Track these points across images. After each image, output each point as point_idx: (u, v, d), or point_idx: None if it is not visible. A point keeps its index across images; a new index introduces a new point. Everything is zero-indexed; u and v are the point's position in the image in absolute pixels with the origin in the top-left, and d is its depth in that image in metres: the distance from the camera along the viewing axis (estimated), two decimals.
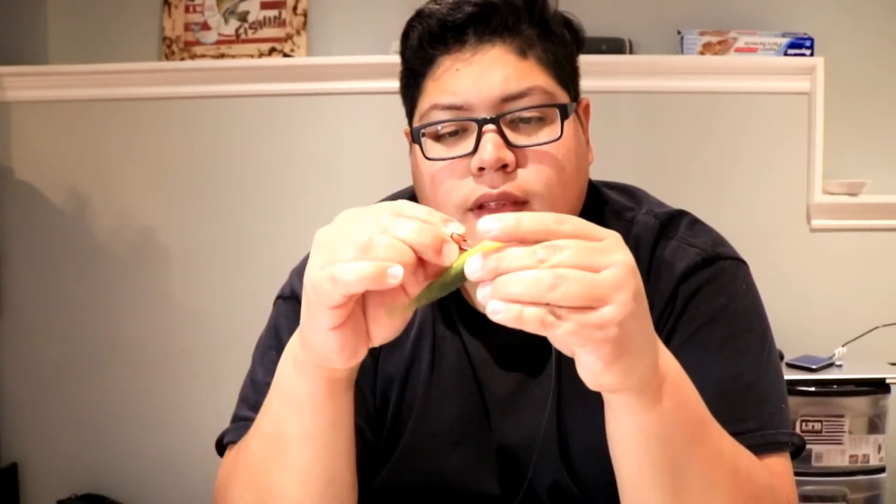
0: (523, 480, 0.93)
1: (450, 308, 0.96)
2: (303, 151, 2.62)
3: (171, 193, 2.65)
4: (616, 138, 2.54)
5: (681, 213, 0.96)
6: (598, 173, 1.02)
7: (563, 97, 0.88)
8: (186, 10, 2.68)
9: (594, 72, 2.38)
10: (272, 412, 0.76)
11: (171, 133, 2.64)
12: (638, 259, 0.91)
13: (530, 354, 0.91)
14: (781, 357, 2.28)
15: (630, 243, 0.92)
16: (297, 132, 2.61)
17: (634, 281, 0.60)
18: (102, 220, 2.66)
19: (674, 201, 0.99)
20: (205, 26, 2.68)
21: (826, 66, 2.48)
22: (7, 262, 2.67)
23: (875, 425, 2.19)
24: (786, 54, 2.50)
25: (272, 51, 2.66)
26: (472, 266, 0.58)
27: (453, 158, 0.85)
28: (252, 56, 2.66)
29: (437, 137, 0.87)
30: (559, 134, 0.85)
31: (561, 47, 0.90)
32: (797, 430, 2.00)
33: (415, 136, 0.88)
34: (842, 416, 2.19)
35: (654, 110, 2.56)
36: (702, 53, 2.52)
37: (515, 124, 0.85)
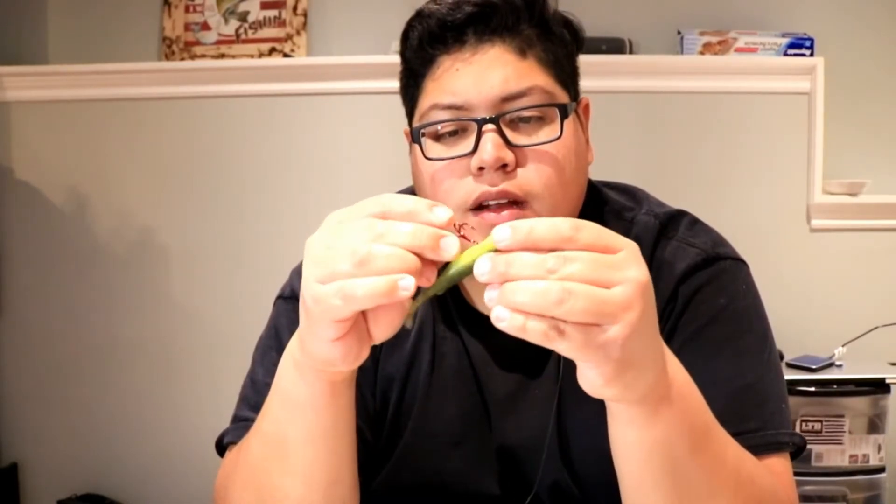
0: (523, 480, 0.93)
1: (450, 308, 0.96)
2: (303, 151, 2.62)
3: (171, 193, 2.65)
4: (616, 138, 2.54)
5: (681, 213, 0.96)
6: (598, 173, 1.02)
7: (562, 97, 0.88)
8: (186, 10, 2.68)
9: (594, 72, 2.39)
10: (273, 414, 0.76)
11: (171, 133, 2.64)
12: None
13: (531, 355, 0.91)
14: (781, 357, 2.28)
15: None
16: (297, 132, 2.61)
17: (645, 299, 0.58)
18: (102, 220, 2.66)
19: (674, 201, 0.99)
20: (205, 26, 2.68)
21: (826, 66, 2.48)
22: (7, 262, 2.67)
23: (875, 425, 2.19)
24: (786, 54, 2.50)
25: (272, 51, 2.66)
26: (481, 267, 0.56)
27: (453, 158, 0.85)
28: (252, 56, 2.66)
29: (437, 137, 0.87)
30: (559, 133, 0.85)
31: (561, 47, 0.90)
32: (797, 430, 2.00)
33: (415, 136, 0.88)
34: (842, 416, 2.19)
35: (654, 110, 2.56)
36: (702, 53, 2.52)
37: (515, 124, 0.85)
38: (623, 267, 0.58)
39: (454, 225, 0.62)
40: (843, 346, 2.31)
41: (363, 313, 0.63)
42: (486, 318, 0.57)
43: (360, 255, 0.58)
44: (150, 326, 2.65)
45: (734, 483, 0.72)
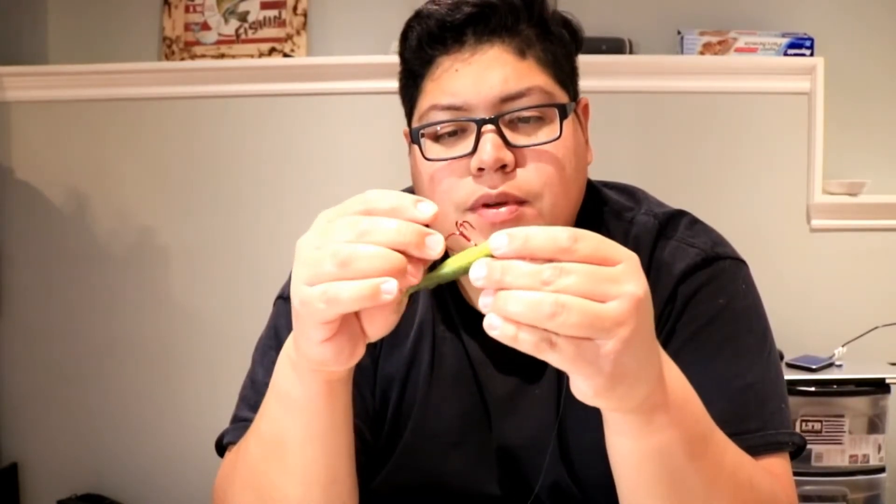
0: (523, 481, 0.93)
1: (450, 309, 0.96)
2: (303, 151, 2.62)
3: (171, 193, 2.65)
4: (616, 138, 2.54)
5: (680, 213, 0.96)
6: (598, 173, 1.02)
7: (562, 97, 0.88)
8: (186, 10, 2.68)
9: (594, 72, 2.40)
10: (270, 414, 0.76)
11: (171, 133, 2.64)
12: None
13: (530, 356, 0.91)
14: (781, 357, 2.28)
15: (629, 243, 0.92)
16: (297, 132, 2.61)
17: (640, 314, 0.57)
18: (102, 220, 2.66)
19: (674, 201, 0.99)
20: (205, 26, 2.68)
21: (826, 66, 2.48)
22: (7, 262, 2.67)
23: (875, 425, 2.19)
24: (786, 54, 2.50)
25: (272, 51, 2.66)
26: (477, 272, 0.56)
27: (452, 159, 0.85)
28: (252, 56, 2.66)
29: (436, 138, 0.87)
30: (558, 133, 0.85)
31: (560, 47, 0.89)
32: (797, 430, 2.00)
33: (414, 137, 0.88)
34: (842, 416, 2.19)
35: (654, 110, 2.56)
36: (702, 53, 2.52)
37: (514, 124, 0.85)
38: (621, 280, 0.57)
39: (456, 223, 0.61)
40: (843, 346, 2.31)
41: (356, 312, 0.63)
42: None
43: (342, 256, 0.58)
44: (150, 326, 2.65)
45: (732, 489, 0.71)
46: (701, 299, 0.89)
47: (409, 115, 0.92)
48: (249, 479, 0.79)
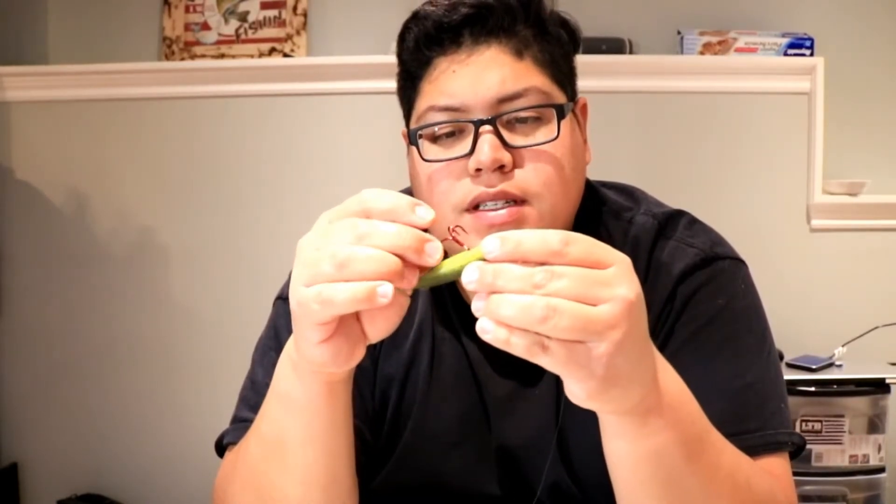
0: (523, 481, 0.93)
1: (449, 310, 0.96)
2: (303, 151, 2.62)
3: (171, 193, 2.65)
4: (616, 138, 2.54)
5: (679, 213, 0.96)
6: (598, 173, 1.02)
7: (559, 97, 0.88)
8: (186, 10, 2.68)
9: (594, 72, 2.41)
10: (271, 415, 0.76)
11: (171, 133, 2.64)
12: (636, 260, 0.91)
13: None
14: (781, 357, 2.28)
15: (628, 243, 0.92)
16: (297, 132, 2.61)
17: (632, 317, 0.57)
18: (102, 220, 2.66)
19: (674, 201, 0.99)
20: (205, 26, 2.68)
21: (826, 66, 2.48)
22: (7, 262, 2.67)
23: (875, 425, 2.19)
24: (786, 54, 2.50)
25: (272, 51, 2.66)
26: (469, 276, 0.56)
27: (450, 160, 0.85)
28: (252, 56, 2.66)
29: (434, 139, 0.87)
30: (556, 134, 0.85)
31: (557, 47, 0.89)
32: (797, 430, 2.00)
33: (412, 138, 0.88)
34: (842, 416, 2.19)
35: (654, 110, 2.56)
36: (702, 53, 2.52)
37: (512, 125, 0.85)
38: (612, 283, 0.57)
39: (448, 228, 0.61)
40: (843, 346, 2.31)
41: (356, 313, 0.63)
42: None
43: (341, 257, 0.58)
44: (150, 326, 2.65)
45: (730, 490, 0.71)
46: (700, 299, 0.89)
47: (407, 116, 0.92)
48: (249, 478, 0.79)
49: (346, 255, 0.58)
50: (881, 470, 2.21)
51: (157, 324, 2.65)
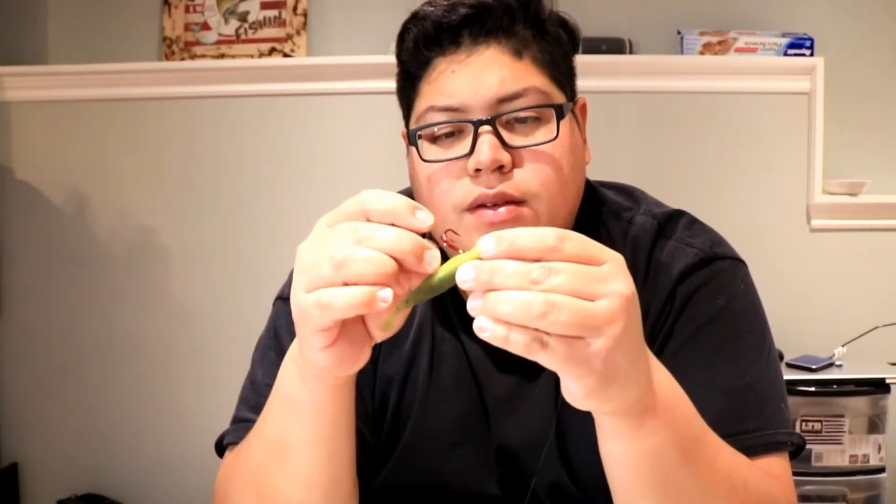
0: (522, 481, 0.93)
1: (448, 310, 0.96)
2: (303, 151, 2.62)
3: (171, 193, 2.65)
4: (616, 138, 2.54)
5: (679, 213, 0.96)
6: (598, 173, 1.02)
7: (559, 97, 0.88)
8: (186, 10, 2.68)
9: (594, 72, 2.41)
10: (274, 417, 0.75)
11: (171, 133, 2.64)
12: (636, 260, 0.91)
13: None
14: (781, 357, 2.28)
15: (628, 243, 0.92)
16: (297, 132, 2.61)
17: (629, 313, 0.57)
18: (102, 220, 2.66)
19: (673, 201, 0.99)
20: (205, 26, 2.68)
21: (826, 66, 2.48)
22: (7, 262, 2.67)
23: (875, 425, 2.19)
24: (786, 54, 2.50)
25: (272, 51, 2.66)
26: (464, 274, 0.55)
27: (450, 160, 0.85)
28: (252, 56, 2.66)
29: (434, 139, 0.87)
30: (555, 134, 0.85)
31: (556, 47, 0.89)
32: (797, 430, 2.00)
33: (411, 139, 0.88)
34: (842, 416, 2.19)
35: (654, 110, 2.56)
36: (702, 53, 2.52)
37: (511, 125, 0.85)
38: (608, 279, 0.57)
39: (441, 235, 0.61)
40: (843, 346, 2.31)
41: (361, 315, 0.63)
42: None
43: (338, 258, 0.57)
44: (150, 326, 2.65)
45: (727, 490, 0.71)
46: (700, 299, 0.89)
47: (407, 116, 0.92)
48: (251, 479, 0.79)
49: (344, 256, 0.57)
50: (881, 470, 2.21)
51: (157, 324, 2.65)
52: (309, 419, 0.72)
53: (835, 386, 2.21)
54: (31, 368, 2.67)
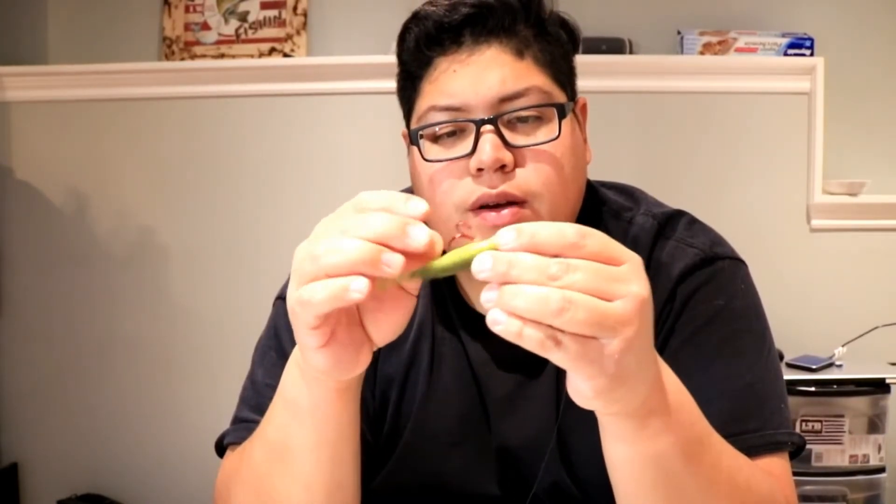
0: (522, 481, 0.93)
1: (449, 309, 0.96)
2: (303, 151, 2.62)
3: (171, 193, 2.65)
4: (616, 138, 2.54)
5: (679, 213, 0.96)
6: (598, 173, 1.02)
7: (560, 97, 0.88)
8: (186, 10, 2.68)
9: (594, 72, 2.41)
10: (277, 420, 0.75)
11: (171, 133, 2.64)
12: None
13: (530, 356, 0.91)
14: (781, 357, 2.28)
15: (628, 244, 0.92)
16: (297, 132, 2.61)
17: (643, 315, 0.57)
18: (102, 220, 2.66)
19: (673, 201, 0.99)
20: (205, 26, 2.68)
21: (826, 66, 2.48)
22: (7, 262, 2.67)
23: (875, 425, 2.19)
24: (786, 54, 2.50)
25: (272, 51, 2.66)
26: (481, 264, 0.54)
27: (451, 160, 0.85)
28: (252, 56, 2.66)
29: (435, 139, 0.87)
30: (557, 133, 0.85)
31: (557, 47, 0.89)
32: (797, 430, 2.00)
33: (413, 138, 0.88)
34: (842, 416, 2.19)
35: (654, 110, 2.56)
36: (702, 53, 2.52)
37: (513, 124, 0.85)
38: (626, 280, 0.56)
39: (456, 225, 0.60)
40: (843, 346, 2.31)
41: (360, 318, 0.63)
42: (485, 319, 0.56)
43: (316, 253, 0.57)
44: (149, 326, 2.65)
45: (730, 491, 0.71)
46: (700, 299, 0.89)
47: (408, 116, 0.92)
48: (252, 481, 0.79)
49: (322, 250, 0.57)
50: (881, 470, 2.21)
51: (157, 324, 2.65)
52: (311, 423, 0.72)
53: (835, 386, 2.21)
54: (31, 368, 2.67)
